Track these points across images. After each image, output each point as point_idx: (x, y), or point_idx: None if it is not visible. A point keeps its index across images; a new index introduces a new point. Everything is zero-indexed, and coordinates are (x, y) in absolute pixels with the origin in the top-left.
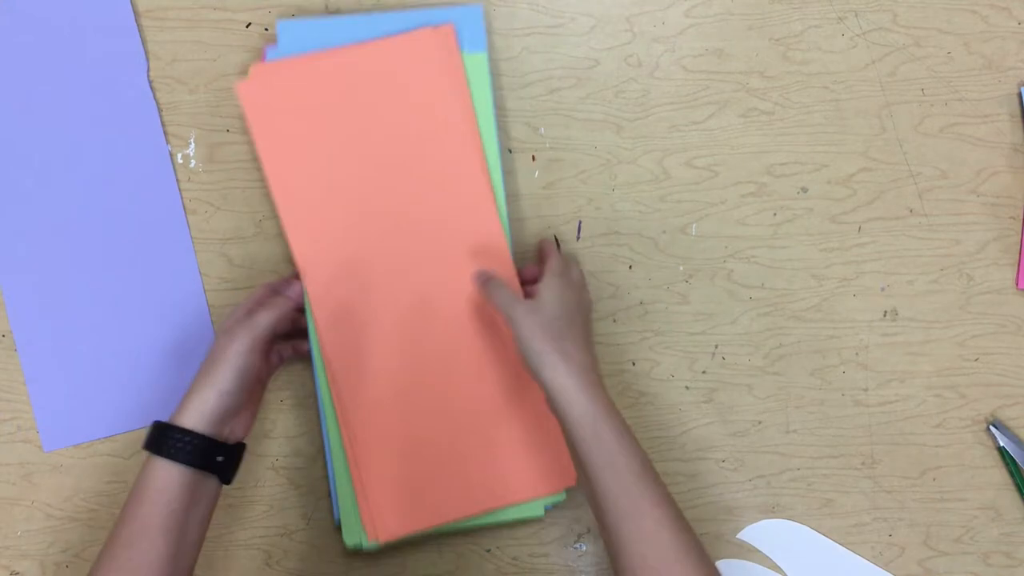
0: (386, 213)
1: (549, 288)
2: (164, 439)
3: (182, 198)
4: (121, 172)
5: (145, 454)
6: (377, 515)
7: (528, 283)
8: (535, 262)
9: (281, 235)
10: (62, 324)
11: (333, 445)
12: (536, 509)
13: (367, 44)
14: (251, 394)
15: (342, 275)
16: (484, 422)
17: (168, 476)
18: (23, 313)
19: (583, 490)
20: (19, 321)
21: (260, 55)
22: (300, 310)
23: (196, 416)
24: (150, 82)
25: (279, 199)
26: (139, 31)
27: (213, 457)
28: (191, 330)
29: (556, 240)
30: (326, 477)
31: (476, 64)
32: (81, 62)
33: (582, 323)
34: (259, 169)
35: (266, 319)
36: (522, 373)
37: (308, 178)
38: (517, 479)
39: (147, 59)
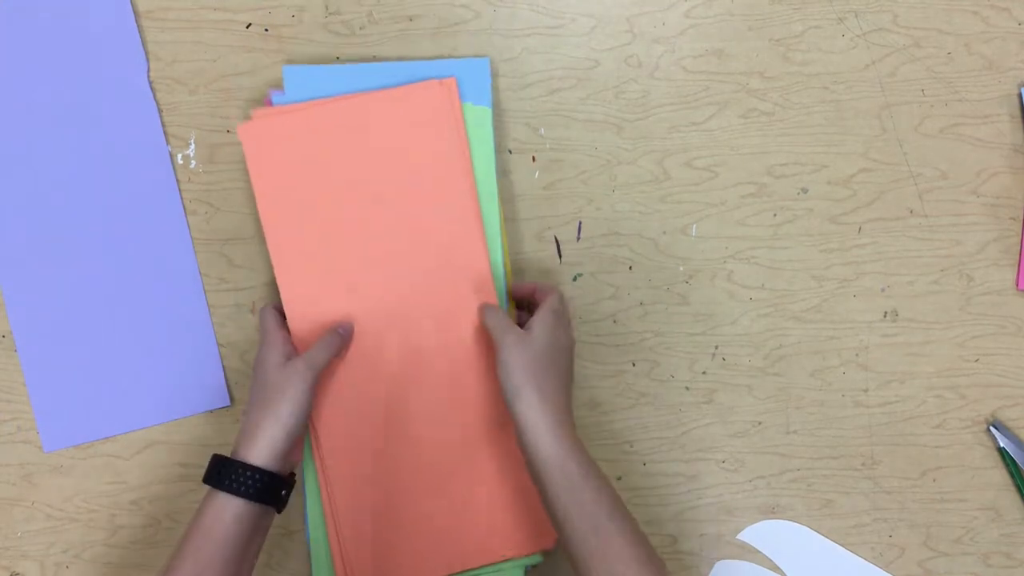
0: (379, 266)
1: (542, 324)
2: (228, 474)
3: (182, 198)
4: (121, 172)
5: (205, 488)
6: None
7: (519, 298)
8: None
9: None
10: (62, 324)
11: (311, 510)
12: (515, 572)
13: (369, 94)
14: (305, 427)
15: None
16: (463, 483)
17: (232, 511)
18: (23, 313)
19: (556, 533)
20: (19, 321)
21: (265, 97)
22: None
23: (266, 453)
24: (150, 82)
25: (272, 248)
26: (139, 31)
27: (279, 491)
28: (191, 330)
29: (557, 241)
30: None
31: (479, 117)
32: (81, 62)
33: (565, 364)
34: (255, 212)
35: (324, 358)
36: (503, 432)
37: (302, 226)
38: (495, 540)
39: (147, 59)
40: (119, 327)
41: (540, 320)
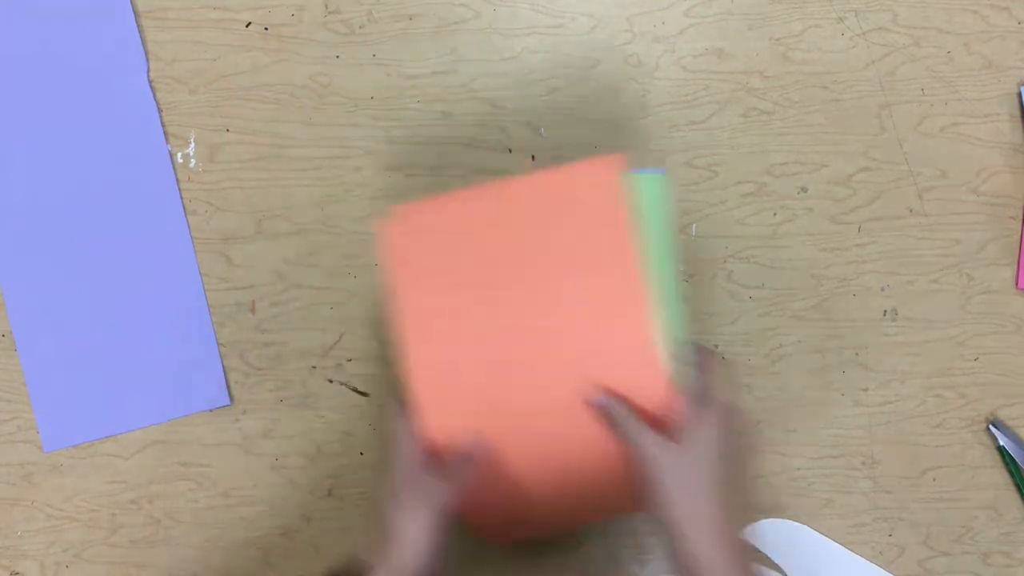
0: (525, 369)
1: (709, 428)
2: None
3: (182, 198)
4: (121, 172)
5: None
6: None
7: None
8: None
9: (282, 236)
10: (62, 324)
11: None
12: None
13: (527, 176)
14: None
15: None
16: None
17: None
18: (23, 313)
19: None
20: (19, 321)
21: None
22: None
23: None
24: (150, 82)
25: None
26: (139, 31)
27: None
28: (191, 330)
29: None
30: (327, 477)
31: (653, 186)
32: (80, 62)
33: (740, 478)
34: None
35: (452, 492)
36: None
37: (445, 322)
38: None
39: (147, 59)
40: (119, 326)
41: (705, 422)
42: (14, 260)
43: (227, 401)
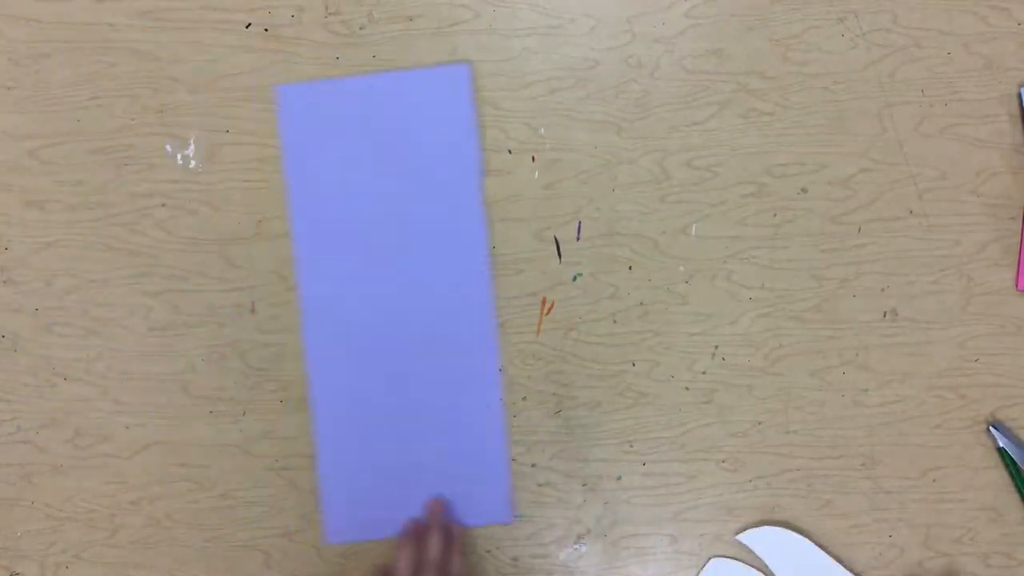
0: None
1: None
2: None
3: (494, 311)
4: (440, 279)
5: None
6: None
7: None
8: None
9: (282, 236)
10: (362, 428)
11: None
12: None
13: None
14: None
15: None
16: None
17: None
18: (329, 413)
19: None
20: (325, 419)
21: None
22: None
23: None
24: (480, 163)
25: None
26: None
27: None
28: (485, 447)
29: (556, 241)
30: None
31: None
32: (417, 151)
33: None
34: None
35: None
36: None
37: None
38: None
39: (478, 135)
40: (415, 437)
41: None
42: (326, 364)
43: (509, 519)
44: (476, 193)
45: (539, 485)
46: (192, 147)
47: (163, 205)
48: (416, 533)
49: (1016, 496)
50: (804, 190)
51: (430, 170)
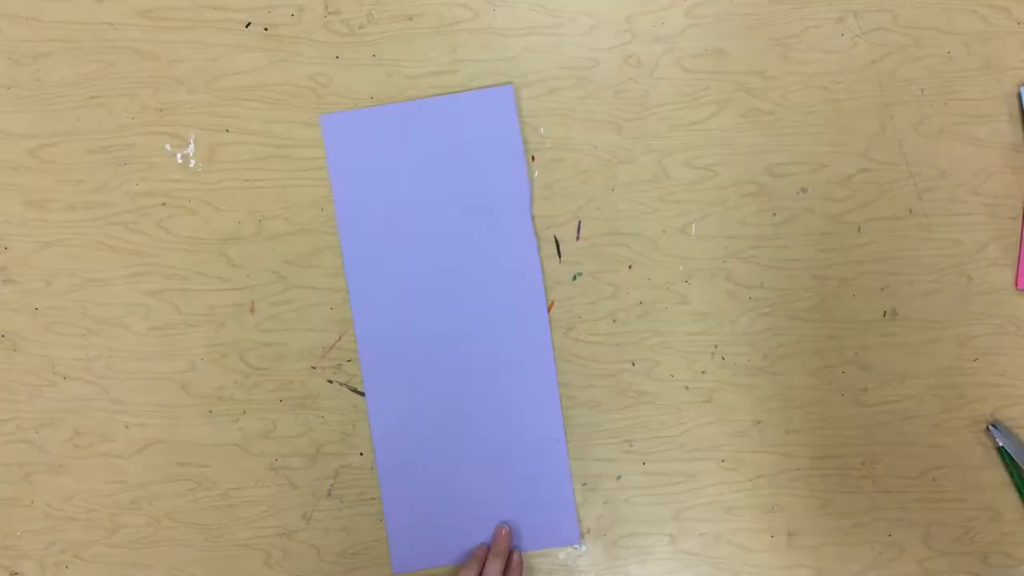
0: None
1: None
2: None
3: (553, 357)
4: (497, 305)
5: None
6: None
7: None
8: None
9: (282, 236)
10: (424, 456)
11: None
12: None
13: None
14: None
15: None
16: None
17: None
18: (387, 440)
19: None
20: (383, 448)
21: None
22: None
23: None
24: (532, 217)
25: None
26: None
27: None
28: (549, 474)
29: (556, 241)
30: (326, 477)
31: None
32: (467, 175)
33: None
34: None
35: None
36: None
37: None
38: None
39: (530, 189)
40: (479, 466)
41: None
42: (384, 396)
43: (577, 542)
44: (528, 213)
45: None
46: (192, 146)
47: (163, 204)
48: (481, 558)
49: (1016, 496)
50: (804, 189)
51: (481, 193)
